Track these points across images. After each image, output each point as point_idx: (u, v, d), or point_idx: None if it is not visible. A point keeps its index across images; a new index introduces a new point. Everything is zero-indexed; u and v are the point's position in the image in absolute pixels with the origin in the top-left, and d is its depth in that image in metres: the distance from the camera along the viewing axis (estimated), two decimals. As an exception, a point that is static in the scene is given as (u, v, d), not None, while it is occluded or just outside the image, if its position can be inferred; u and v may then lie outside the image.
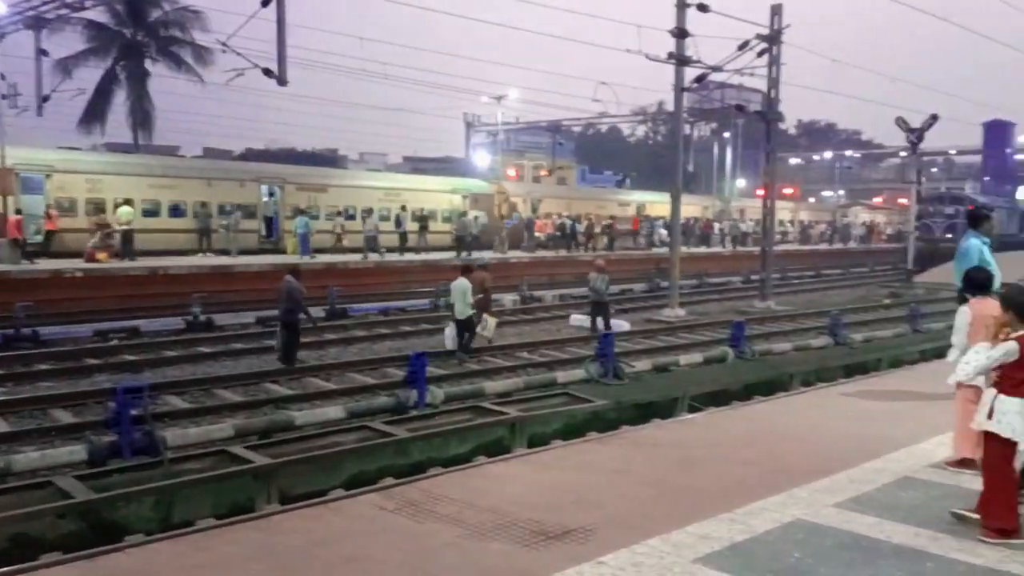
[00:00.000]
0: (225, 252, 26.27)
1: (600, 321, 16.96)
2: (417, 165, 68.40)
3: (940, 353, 14.30)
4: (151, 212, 26.97)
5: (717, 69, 20.20)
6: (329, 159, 73.71)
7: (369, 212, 30.70)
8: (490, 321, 15.38)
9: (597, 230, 37.45)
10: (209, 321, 17.59)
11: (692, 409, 11.42)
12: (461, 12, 26.52)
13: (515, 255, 32.51)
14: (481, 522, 5.13)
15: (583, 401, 11.33)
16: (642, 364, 13.58)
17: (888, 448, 6.67)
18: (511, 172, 49.51)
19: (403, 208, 31.46)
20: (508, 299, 22.72)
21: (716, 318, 19.96)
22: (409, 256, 29.20)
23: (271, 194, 30.51)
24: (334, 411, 10.57)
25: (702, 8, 19.00)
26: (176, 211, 27.64)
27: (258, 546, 4.81)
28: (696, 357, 14.45)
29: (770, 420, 8.21)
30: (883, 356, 15.62)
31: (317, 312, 16.77)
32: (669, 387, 12.48)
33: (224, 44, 16.80)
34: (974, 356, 4.94)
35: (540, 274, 29.47)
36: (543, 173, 49.64)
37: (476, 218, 33.69)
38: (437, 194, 35.54)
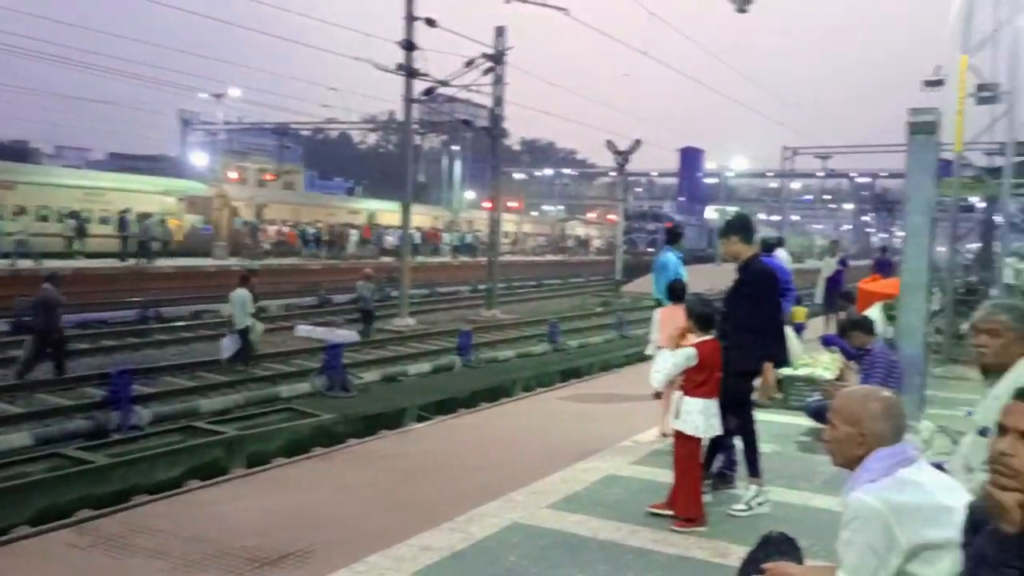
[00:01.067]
0: None
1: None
2: (125, 163, 62.80)
3: (644, 357, 15.81)
4: None
5: (445, 83, 20.74)
6: (16, 152, 65.33)
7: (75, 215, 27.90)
8: (258, 326, 14.77)
9: (326, 237, 36.87)
10: None
11: (420, 419, 11.54)
12: (177, 3, 24.78)
13: (237, 262, 30.98)
14: (187, 553, 4.77)
15: (308, 416, 11.02)
16: (371, 375, 13.50)
17: (597, 447, 7.18)
18: (233, 175, 47.09)
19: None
20: (228, 310, 21.54)
21: (445, 327, 20.41)
22: (105, 263, 26.77)
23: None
24: (18, 438, 9.35)
25: (430, 23, 19.41)
26: None
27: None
28: (424, 366, 14.65)
29: (494, 426, 8.51)
30: (595, 360, 16.85)
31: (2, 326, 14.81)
32: (397, 397, 12.53)
33: None
34: (663, 364, 5.46)
35: (265, 283, 28.31)
36: (268, 177, 47.80)
37: (163, 221, 31.40)
38: (145, 195, 32.75)
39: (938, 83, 13.26)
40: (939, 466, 3.67)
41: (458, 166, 56.89)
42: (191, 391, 12.28)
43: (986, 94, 12.45)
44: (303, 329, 18.38)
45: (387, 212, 43.10)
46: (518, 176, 75.68)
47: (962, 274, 19.20)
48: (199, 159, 49.00)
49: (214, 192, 36.75)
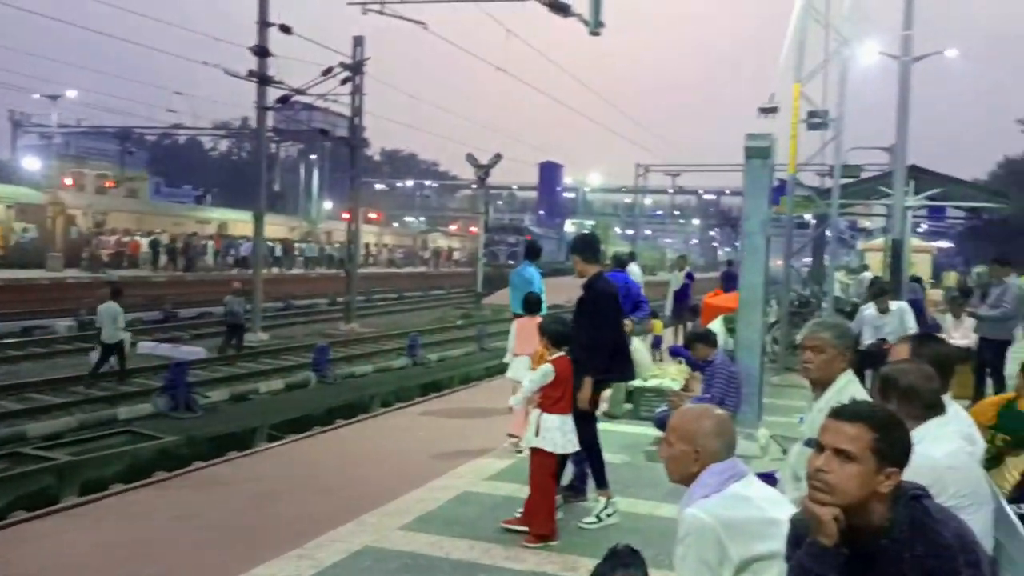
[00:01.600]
0: None
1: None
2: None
3: (503, 369, 15.89)
4: None
5: (300, 92, 20.28)
6: None
7: None
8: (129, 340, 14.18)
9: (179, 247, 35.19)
10: None
11: (272, 439, 11.14)
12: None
13: (73, 274, 29.02)
14: (5, 598, 4.39)
15: (149, 438, 10.42)
16: (219, 394, 12.93)
17: (454, 464, 7.16)
18: (68, 181, 44.10)
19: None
20: (62, 325, 20.18)
21: (301, 342, 19.84)
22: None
23: None
24: None
25: (284, 30, 18.93)
26: None
27: None
28: (277, 383, 14.19)
29: (349, 445, 8.34)
30: (455, 374, 16.85)
31: None
32: (247, 417, 12.05)
33: None
34: (526, 384, 5.52)
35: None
36: (108, 184, 45.09)
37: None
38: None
39: (772, 110, 14.17)
40: (771, 476, 3.89)
41: (316, 176, 55.64)
42: (18, 414, 11.36)
43: (816, 120, 13.39)
44: (146, 346, 17.44)
45: (239, 222, 41.56)
46: (379, 187, 74.98)
47: (797, 287, 20.53)
48: (31, 164, 45.60)
49: (47, 199, 34.28)
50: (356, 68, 22.21)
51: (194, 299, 27.41)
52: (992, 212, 20.09)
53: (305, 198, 55.91)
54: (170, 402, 11.63)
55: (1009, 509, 2.95)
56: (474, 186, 41.95)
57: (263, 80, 19.17)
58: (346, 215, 29.71)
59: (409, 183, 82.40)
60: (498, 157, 30.95)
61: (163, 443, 10.36)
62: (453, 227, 77.98)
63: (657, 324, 14.69)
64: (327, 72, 21.11)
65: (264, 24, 18.85)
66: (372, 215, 60.76)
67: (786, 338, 13.06)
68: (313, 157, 56.13)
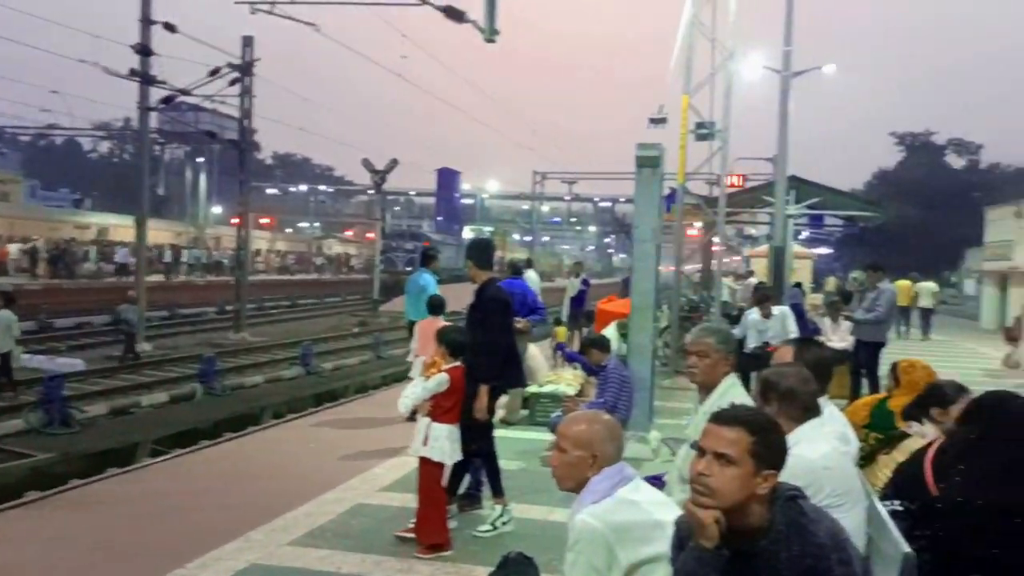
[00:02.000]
0: None
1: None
2: None
3: (400, 378, 15.77)
4: None
5: (186, 92, 19.58)
6: None
7: None
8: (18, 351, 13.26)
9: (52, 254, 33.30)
10: None
11: (156, 454, 10.66)
12: None
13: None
14: None
15: (21, 456, 9.80)
16: (97, 408, 12.30)
17: (347, 476, 7.02)
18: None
19: None
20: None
21: (187, 352, 19.12)
22: None
23: None
24: None
25: (168, 28, 18.23)
26: None
27: None
28: (161, 396, 13.61)
29: (237, 459, 8.06)
30: (350, 383, 16.57)
31: None
32: (129, 432, 11.50)
33: None
34: (411, 390, 5.45)
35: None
36: (-22, 187, 42.43)
37: None
38: None
39: (662, 121, 14.61)
40: (659, 478, 3.97)
41: (203, 179, 53.81)
42: None
43: (703, 131, 13.86)
44: (21, 358, 16.41)
45: (121, 227, 39.75)
46: (271, 191, 73.11)
47: (688, 292, 21.16)
48: None
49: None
50: (245, 69, 21.61)
51: (73, 308, 26.01)
52: (868, 220, 21.32)
53: (192, 202, 53.92)
54: (44, 417, 11.00)
55: (880, 506, 3.10)
56: (371, 191, 41.49)
57: (146, 80, 18.40)
58: (236, 220, 28.84)
59: (303, 188, 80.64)
60: (395, 162, 30.73)
61: (35, 461, 9.79)
62: (349, 233, 76.83)
63: (561, 330, 14.87)
64: (214, 73, 20.45)
65: (147, 21, 18.10)
66: (264, 220, 59.19)
67: (677, 342, 13.43)
68: (201, 160, 54.21)
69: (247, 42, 21.62)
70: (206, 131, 28.89)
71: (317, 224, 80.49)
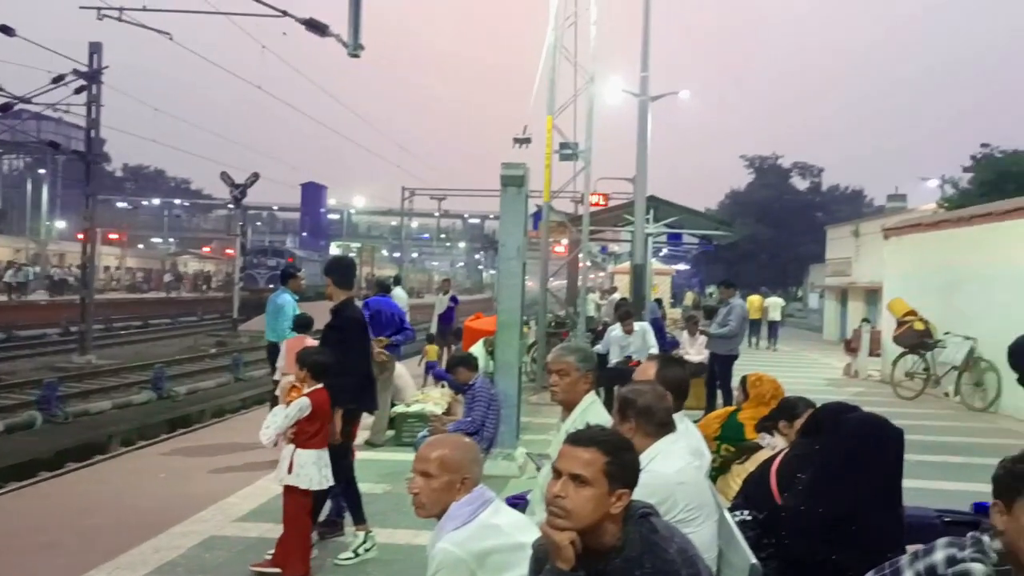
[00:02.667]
0: None
1: None
2: None
3: (261, 400, 15.23)
4: None
5: (25, 100, 18.31)
6: None
7: None
8: None
9: None
10: None
11: (-15, 490, 9.81)
12: None
13: None
14: None
15: None
16: (-83, 442, 11.22)
17: (200, 506, 6.67)
18: None
19: None
20: None
21: (25, 377, 17.76)
22: None
23: None
24: None
25: (5, 31, 16.99)
26: None
27: None
28: (-6, 426, 12.55)
29: (81, 492, 7.52)
30: (207, 407, 15.85)
31: None
32: (-45, 467, 10.54)
33: None
34: (273, 419, 5.23)
35: None
36: None
37: None
38: None
39: (526, 141, 14.85)
40: (522, 497, 3.99)
41: (45, 192, 50.42)
42: None
43: (567, 152, 14.22)
44: None
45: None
46: (121, 205, 69.36)
47: (554, 308, 21.55)
48: None
49: None
50: (92, 76, 20.44)
51: None
52: (721, 239, 22.56)
53: (33, 216, 50.39)
54: None
55: (729, 518, 3.22)
56: (230, 206, 40.05)
57: (-22, 85, 17.07)
58: (82, 235, 27.11)
59: (156, 201, 76.90)
60: (255, 176, 29.78)
61: None
62: (206, 249, 73.86)
63: (431, 348, 14.78)
64: (58, 80, 19.23)
65: (-21, 23, 16.81)
66: (113, 236, 55.99)
67: (543, 358, 13.63)
68: (43, 172, 50.77)
69: (94, 48, 20.46)
70: (48, 141, 27.02)
71: (172, 240, 76.95)
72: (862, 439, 3.15)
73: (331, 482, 5.28)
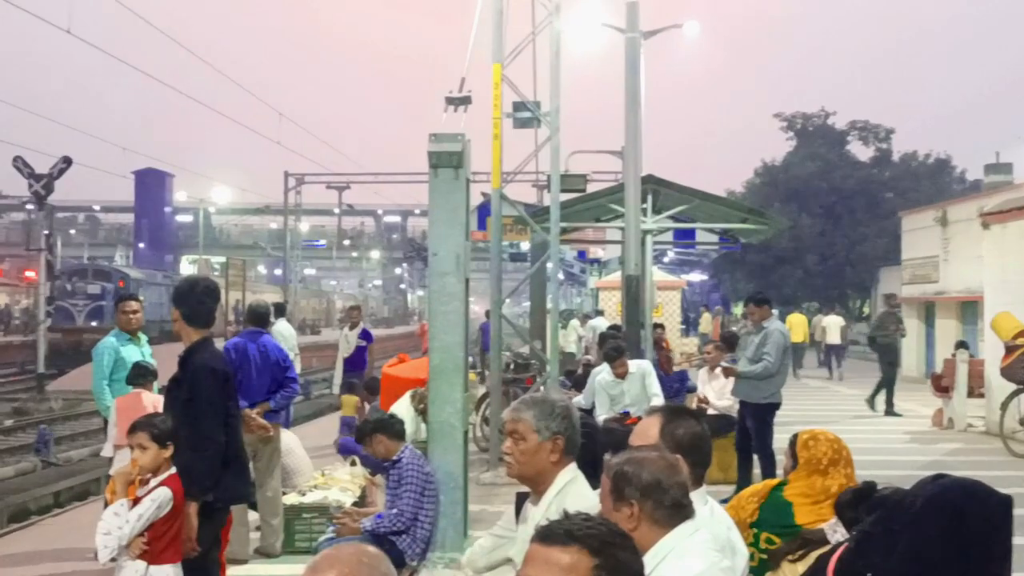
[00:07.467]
0: None
1: None
2: None
3: (82, 495, 14.99)
4: None
5: None
6: None
7: None
8: None
9: None
10: None
11: None
12: None
13: None
14: None
15: None
16: None
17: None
18: None
19: None
20: None
21: None
22: None
23: None
24: None
25: None
26: None
27: None
28: None
29: None
30: (1, 506, 15.56)
31: None
32: None
33: None
34: (114, 521, 5.13)
35: None
36: None
37: None
38: None
39: (464, 101, 14.68)
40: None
41: None
42: None
43: (524, 115, 14.06)
44: None
45: None
46: None
47: (514, 344, 21.53)
48: None
49: None
50: None
51: None
52: (750, 235, 21.99)
53: None
54: None
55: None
56: (29, 206, 39.47)
57: None
58: None
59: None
60: (67, 162, 29.40)
61: None
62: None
63: (347, 400, 14.68)
64: None
65: None
66: None
67: (499, 418, 13.60)
68: None
69: None
70: None
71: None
72: (955, 516, 3.18)
73: None
